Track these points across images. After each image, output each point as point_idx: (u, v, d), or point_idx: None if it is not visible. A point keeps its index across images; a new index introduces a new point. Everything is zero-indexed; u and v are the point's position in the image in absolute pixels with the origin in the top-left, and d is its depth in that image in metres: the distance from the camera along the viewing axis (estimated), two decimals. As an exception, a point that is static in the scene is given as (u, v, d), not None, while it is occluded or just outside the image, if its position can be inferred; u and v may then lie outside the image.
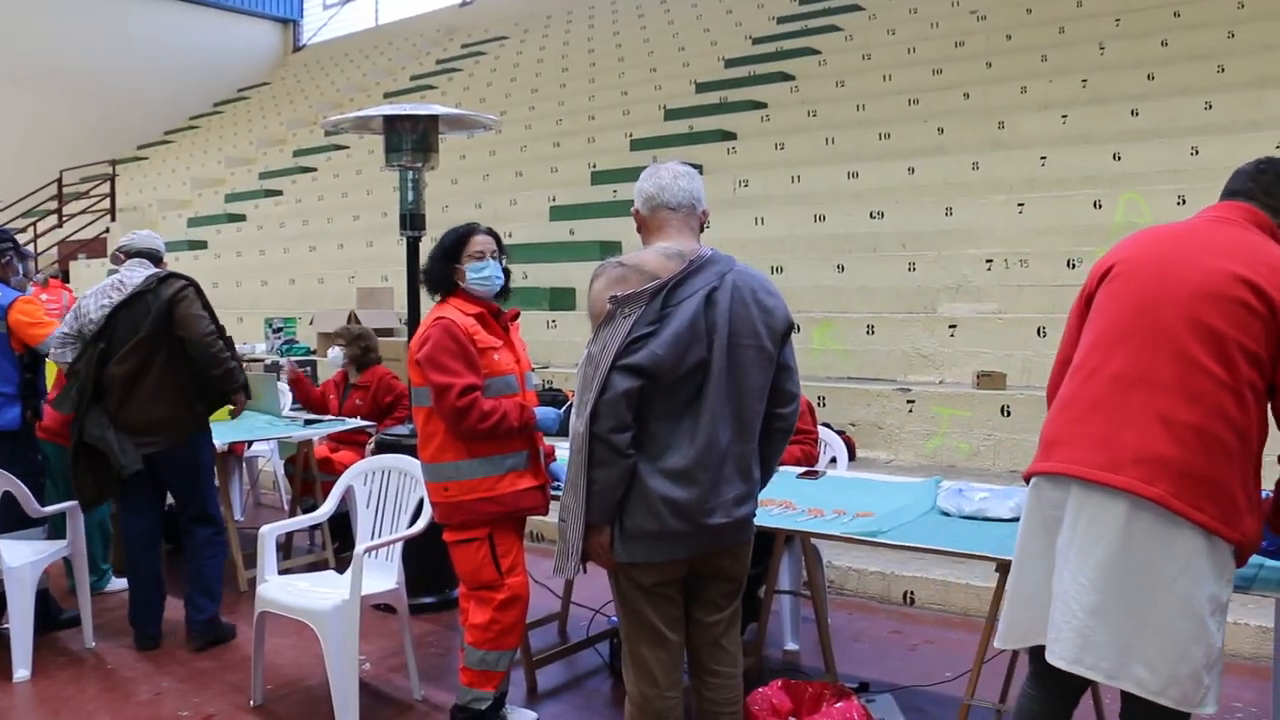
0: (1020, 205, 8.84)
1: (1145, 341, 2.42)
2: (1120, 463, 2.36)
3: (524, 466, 3.62)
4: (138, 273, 4.76)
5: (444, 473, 3.56)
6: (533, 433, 3.67)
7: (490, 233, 3.82)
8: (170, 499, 4.93)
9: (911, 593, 5.22)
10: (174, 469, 4.71)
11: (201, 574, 4.76)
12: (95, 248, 18.57)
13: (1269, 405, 2.42)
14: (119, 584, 5.55)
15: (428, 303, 4.01)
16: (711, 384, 2.68)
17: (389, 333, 9.95)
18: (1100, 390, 2.46)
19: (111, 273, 4.93)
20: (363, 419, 6.19)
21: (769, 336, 2.76)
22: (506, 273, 3.83)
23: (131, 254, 4.88)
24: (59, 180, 19.87)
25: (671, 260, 2.72)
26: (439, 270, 3.75)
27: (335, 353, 6.51)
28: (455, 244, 3.74)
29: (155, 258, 4.90)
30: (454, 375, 3.46)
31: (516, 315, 3.89)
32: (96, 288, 4.75)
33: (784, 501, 3.73)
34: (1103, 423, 2.42)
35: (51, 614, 4.95)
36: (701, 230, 2.89)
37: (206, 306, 4.71)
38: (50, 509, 4.83)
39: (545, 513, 3.72)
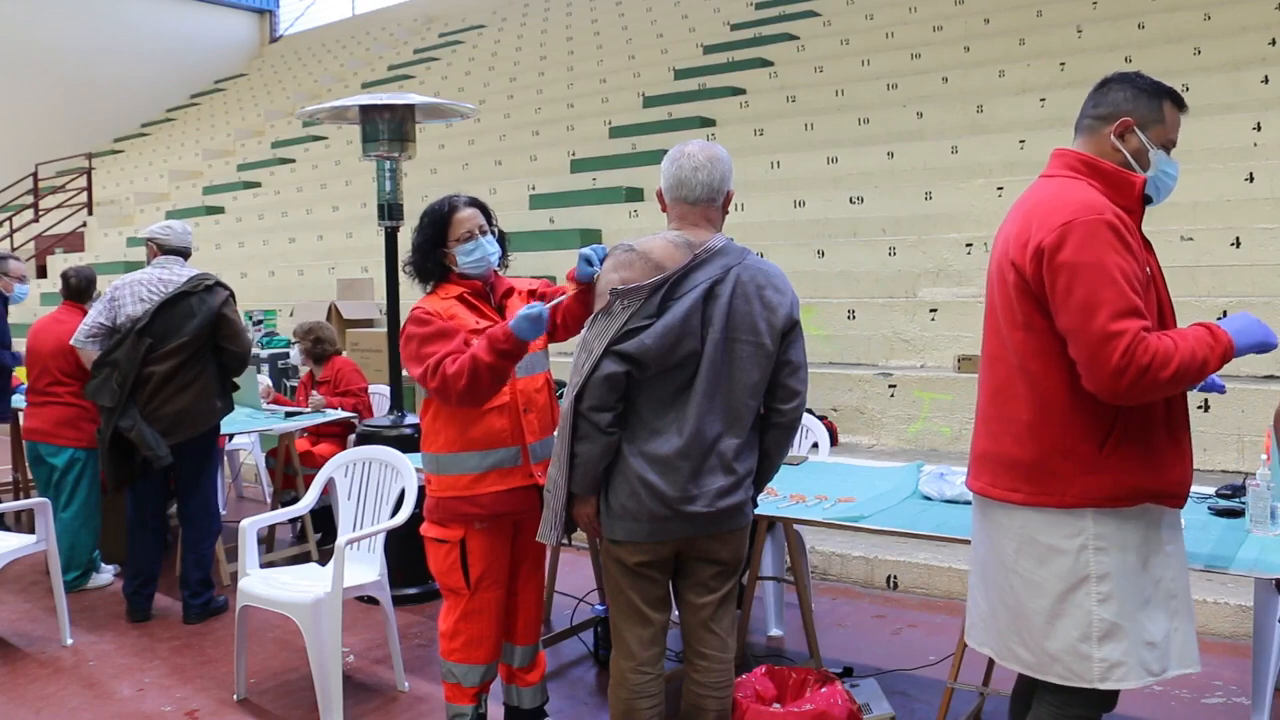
0: (999, 189, 8.83)
1: (985, 344, 2.55)
2: (972, 467, 2.60)
3: (512, 464, 3.26)
4: (179, 272, 4.91)
5: (427, 464, 3.36)
6: (517, 361, 3.14)
7: (474, 203, 3.41)
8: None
9: (895, 577, 5.24)
10: (189, 458, 4.89)
11: (202, 561, 4.97)
12: (72, 242, 18.42)
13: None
14: (99, 580, 5.57)
15: (408, 293, 3.94)
16: (701, 376, 2.73)
17: (369, 323, 9.90)
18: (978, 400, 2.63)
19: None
20: (344, 410, 6.16)
21: (769, 333, 2.78)
22: (502, 240, 3.46)
23: (166, 250, 4.99)
24: (34, 174, 19.66)
25: (679, 250, 2.76)
26: (426, 260, 3.37)
27: (294, 353, 6.51)
28: (437, 229, 3.34)
29: (188, 255, 5.08)
30: (424, 361, 3.16)
31: (511, 291, 3.41)
32: (131, 279, 4.87)
33: (766, 488, 3.73)
34: (976, 431, 2.62)
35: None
36: (726, 211, 2.93)
37: None
38: (17, 504, 5.12)
39: (537, 517, 3.08)
